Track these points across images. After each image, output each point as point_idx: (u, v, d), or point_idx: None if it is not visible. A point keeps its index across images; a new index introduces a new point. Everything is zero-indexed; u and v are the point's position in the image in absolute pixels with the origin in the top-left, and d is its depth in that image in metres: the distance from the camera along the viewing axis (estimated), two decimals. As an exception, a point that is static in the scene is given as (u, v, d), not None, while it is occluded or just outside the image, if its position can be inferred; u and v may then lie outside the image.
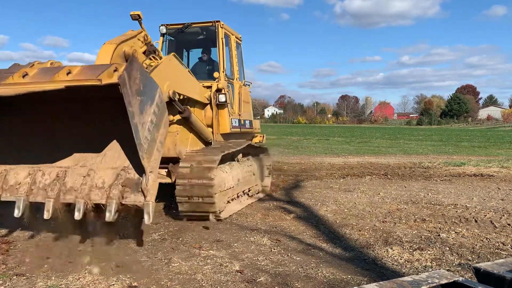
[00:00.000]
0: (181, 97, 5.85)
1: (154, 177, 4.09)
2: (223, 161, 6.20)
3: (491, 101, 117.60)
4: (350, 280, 3.87)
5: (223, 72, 7.42)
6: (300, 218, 6.33)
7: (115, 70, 3.93)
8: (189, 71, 6.72)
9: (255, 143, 9.02)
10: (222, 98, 7.00)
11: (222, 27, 7.57)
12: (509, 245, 4.93)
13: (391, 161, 15.19)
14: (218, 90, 7.08)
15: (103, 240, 5.12)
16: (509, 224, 5.86)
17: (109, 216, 4.12)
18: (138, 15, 5.83)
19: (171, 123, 5.76)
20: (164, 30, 7.81)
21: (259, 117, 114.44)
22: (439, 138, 33.38)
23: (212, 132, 7.02)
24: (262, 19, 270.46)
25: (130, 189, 4.15)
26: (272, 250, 4.74)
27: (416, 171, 11.96)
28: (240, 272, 4.02)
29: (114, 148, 4.52)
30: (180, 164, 5.82)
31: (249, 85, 8.92)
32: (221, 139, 7.23)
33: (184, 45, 8.57)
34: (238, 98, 8.00)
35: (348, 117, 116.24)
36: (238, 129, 7.83)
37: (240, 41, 8.72)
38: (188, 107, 6.12)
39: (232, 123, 7.45)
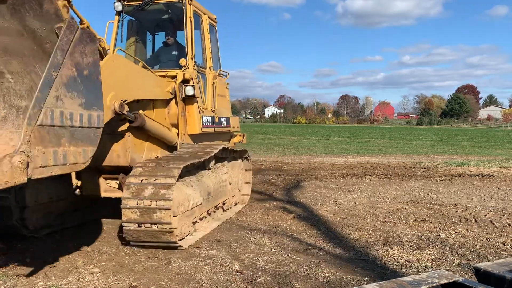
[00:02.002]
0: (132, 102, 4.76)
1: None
2: (188, 172, 5.02)
3: (491, 101, 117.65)
4: (350, 280, 3.87)
5: (192, 59, 6.08)
6: (300, 218, 6.33)
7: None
8: (143, 65, 5.45)
9: (234, 143, 8.14)
10: (189, 91, 5.80)
11: (190, 4, 6.21)
12: (509, 245, 4.93)
13: (391, 161, 15.19)
14: (185, 81, 5.84)
15: (103, 240, 5.12)
16: (509, 224, 5.86)
17: None
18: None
19: (120, 126, 4.83)
20: (119, 7, 6.20)
21: (259, 116, 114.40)
22: (439, 138, 33.38)
23: (178, 133, 5.89)
24: (264, 19, 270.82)
25: None
26: (272, 250, 4.74)
27: (416, 171, 11.96)
28: (240, 272, 4.02)
29: None
30: (128, 179, 4.46)
31: (226, 75, 7.62)
32: (190, 141, 6.05)
33: (147, 27, 7.14)
34: (211, 91, 6.70)
35: (348, 117, 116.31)
36: (211, 129, 6.59)
37: (215, 22, 7.34)
38: (141, 111, 4.98)
39: (203, 122, 6.20)
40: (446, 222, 6.03)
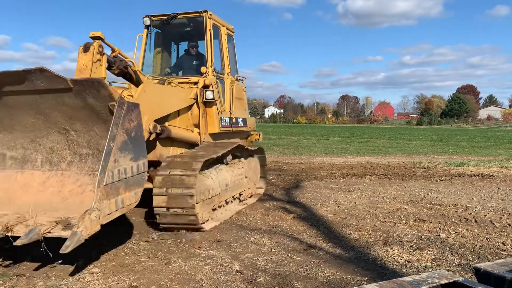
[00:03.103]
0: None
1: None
2: (209, 165, 5.90)
3: (491, 101, 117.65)
4: (350, 280, 3.87)
5: (211, 66, 6.82)
6: (300, 218, 6.33)
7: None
8: (169, 82, 6.41)
9: (251, 141, 8.70)
10: (209, 95, 6.51)
11: (210, 18, 6.93)
12: (509, 245, 4.93)
13: (391, 161, 15.19)
14: (205, 87, 6.55)
15: (103, 240, 5.12)
16: (509, 224, 5.86)
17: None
18: (99, 36, 4.98)
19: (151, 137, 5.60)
20: (148, 22, 7.18)
21: (259, 116, 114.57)
22: (439, 138, 33.38)
23: (199, 133, 6.59)
24: (265, 18, 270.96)
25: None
26: (272, 250, 4.74)
27: (416, 171, 11.96)
28: (240, 272, 4.02)
29: None
30: (158, 171, 5.32)
31: (242, 80, 8.28)
32: (210, 139, 6.75)
33: (172, 38, 7.98)
34: (229, 95, 7.40)
35: (348, 117, 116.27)
36: (229, 128, 7.31)
37: (233, 32, 8.06)
38: (167, 123, 5.77)
39: (222, 122, 6.91)
40: (446, 222, 6.04)
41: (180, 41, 8.12)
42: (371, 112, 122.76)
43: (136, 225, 5.86)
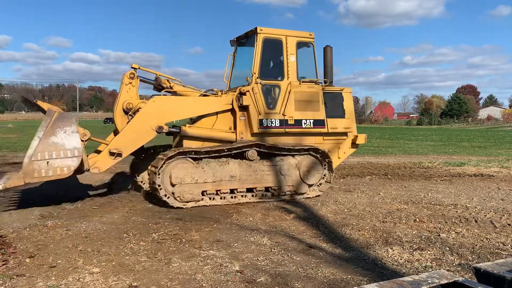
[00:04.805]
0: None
1: None
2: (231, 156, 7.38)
3: (491, 101, 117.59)
4: (350, 280, 3.87)
5: (254, 74, 7.74)
6: (300, 218, 6.33)
7: None
8: (214, 93, 8.08)
9: (356, 143, 8.61)
10: (243, 101, 7.56)
11: (259, 33, 7.93)
12: (509, 245, 4.93)
13: (391, 161, 15.19)
14: (241, 94, 7.63)
15: (103, 240, 5.12)
16: (509, 224, 5.86)
17: None
18: (138, 67, 7.55)
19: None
20: (234, 44, 8.95)
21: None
22: (439, 138, 33.36)
23: (236, 133, 7.68)
24: (266, 18, 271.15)
25: None
26: (272, 250, 4.74)
27: (416, 171, 11.96)
28: (240, 272, 4.02)
29: None
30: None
31: (320, 83, 8.39)
32: (251, 138, 7.70)
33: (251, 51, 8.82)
34: (284, 98, 7.91)
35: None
36: (281, 129, 7.85)
37: (307, 38, 8.41)
38: (183, 127, 7.50)
39: (261, 124, 7.67)
40: (446, 222, 6.03)
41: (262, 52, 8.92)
42: (371, 112, 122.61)
43: (136, 225, 5.86)
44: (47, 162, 6.01)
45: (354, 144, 8.70)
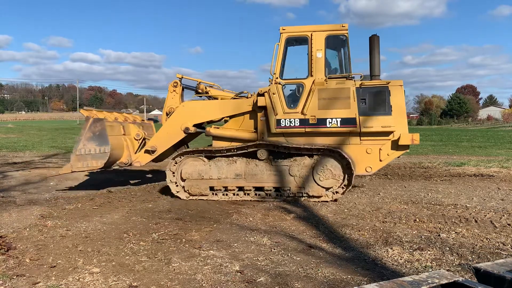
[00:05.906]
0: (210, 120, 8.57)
1: None
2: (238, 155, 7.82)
3: (491, 101, 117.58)
4: (350, 280, 3.87)
5: (274, 75, 7.79)
6: (300, 218, 6.33)
7: None
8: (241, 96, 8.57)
9: (403, 145, 7.45)
10: (259, 102, 7.73)
11: (282, 33, 7.91)
12: (509, 245, 4.93)
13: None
14: (260, 95, 7.79)
15: (103, 240, 5.12)
16: (509, 224, 5.85)
17: None
18: (182, 77, 8.86)
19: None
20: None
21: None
22: (439, 138, 33.35)
23: (257, 133, 7.94)
24: (267, 18, 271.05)
25: None
26: (272, 250, 4.74)
27: (416, 171, 11.95)
28: (240, 272, 4.02)
29: None
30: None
31: (353, 78, 7.63)
32: (269, 139, 7.81)
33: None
34: (307, 97, 7.56)
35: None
36: (301, 129, 7.57)
37: (338, 31, 7.90)
38: (208, 128, 8.21)
39: (279, 123, 7.64)
40: (446, 222, 6.03)
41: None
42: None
43: (136, 225, 5.86)
44: (86, 156, 7.69)
45: (399, 146, 7.49)
